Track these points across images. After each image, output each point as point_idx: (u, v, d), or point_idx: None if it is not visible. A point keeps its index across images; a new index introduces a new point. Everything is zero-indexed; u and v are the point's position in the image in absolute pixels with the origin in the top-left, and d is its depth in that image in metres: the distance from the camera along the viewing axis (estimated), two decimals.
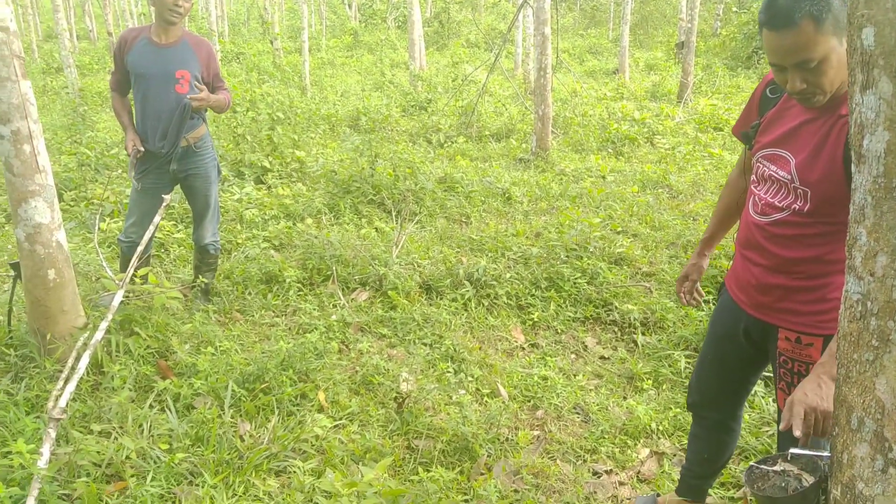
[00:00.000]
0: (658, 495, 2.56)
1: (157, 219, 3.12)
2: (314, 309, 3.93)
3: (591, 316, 4.05)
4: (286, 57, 17.71)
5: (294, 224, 5.22)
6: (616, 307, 4.05)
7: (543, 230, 5.22)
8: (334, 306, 4.00)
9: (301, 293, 4.13)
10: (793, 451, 1.60)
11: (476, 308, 4.01)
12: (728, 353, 2.11)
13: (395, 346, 3.64)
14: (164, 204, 3.19)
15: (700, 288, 2.38)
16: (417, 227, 5.35)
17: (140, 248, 3.04)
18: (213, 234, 3.93)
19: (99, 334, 2.69)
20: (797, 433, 1.54)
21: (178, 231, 4.98)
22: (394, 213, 5.48)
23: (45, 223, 2.89)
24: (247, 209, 5.41)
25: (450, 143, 8.77)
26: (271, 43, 18.75)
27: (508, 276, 4.23)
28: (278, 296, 4.10)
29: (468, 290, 4.08)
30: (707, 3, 18.85)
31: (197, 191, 3.78)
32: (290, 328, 3.76)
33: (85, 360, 2.59)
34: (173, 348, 3.27)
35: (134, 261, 3.02)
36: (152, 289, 3.20)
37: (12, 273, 3.09)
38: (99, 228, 5.28)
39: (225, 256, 4.79)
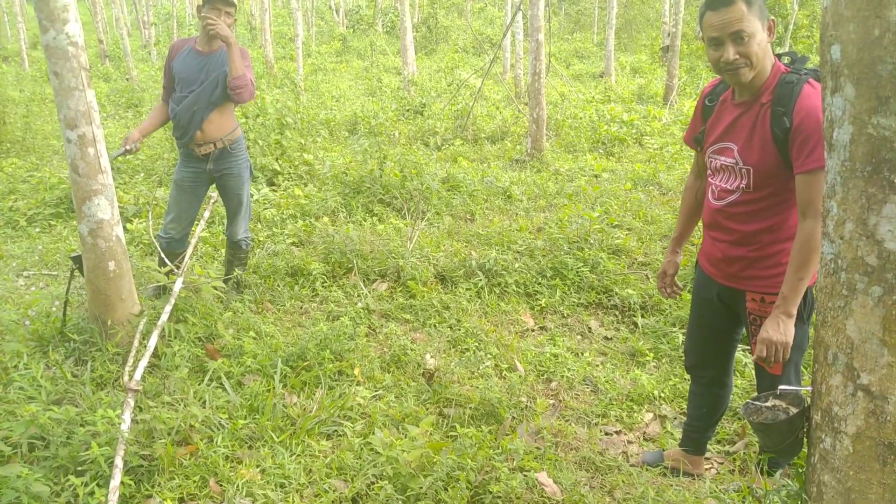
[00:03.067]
0: (663, 451, 2.91)
1: (206, 214, 3.42)
2: (341, 297, 4.25)
3: (593, 301, 4.40)
4: (276, 63, 17.98)
5: (311, 222, 5.53)
6: (616, 293, 4.40)
7: (545, 225, 5.58)
8: (358, 296, 4.32)
9: (326, 285, 4.45)
10: (781, 388, 1.96)
11: (489, 295, 4.35)
12: (709, 316, 2.50)
13: (418, 329, 3.97)
14: (213, 201, 3.49)
15: (678, 281, 2.73)
16: (426, 223, 5.69)
17: (192, 244, 3.34)
18: (246, 231, 4.24)
19: (164, 317, 2.99)
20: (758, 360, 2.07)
21: (203, 230, 5.28)
22: (406, 211, 5.80)
23: (106, 219, 3.19)
24: (265, 209, 5.72)
25: (447, 146, 9.11)
26: (261, 48, 19.01)
27: (517, 266, 4.58)
28: (305, 287, 4.42)
29: (481, 280, 4.42)
30: (690, 7, 19.36)
31: (230, 190, 4.08)
32: (320, 313, 4.08)
33: (154, 338, 2.90)
34: (218, 333, 3.57)
35: (189, 252, 3.32)
36: (202, 280, 3.50)
37: (73, 266, 3.38)
38: (126, 228, 5.57)
39: (249, 252, 5.10)
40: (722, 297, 2.40)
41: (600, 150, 8.86)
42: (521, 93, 13.02)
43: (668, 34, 13.78)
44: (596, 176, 7.47)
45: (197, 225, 4.06)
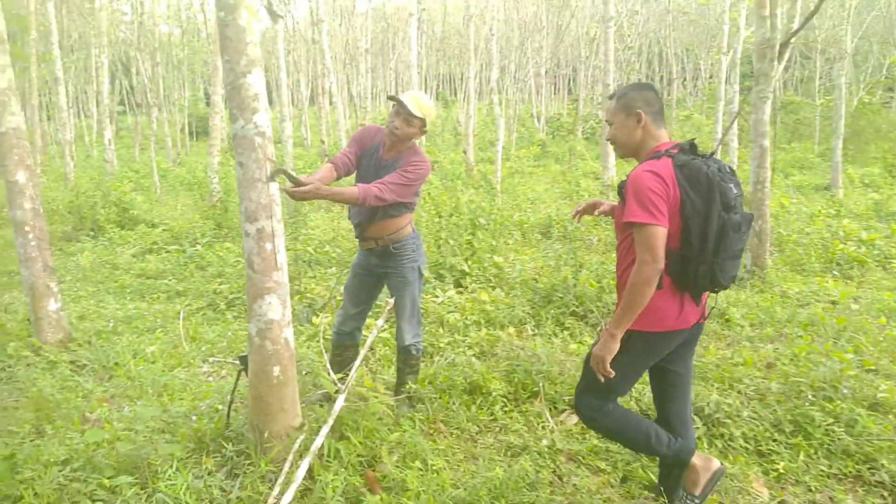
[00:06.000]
0: None
1: (380, 322, 3.05)
2: (522, 428, 3.63)
3: (850, 473, 3.36)
4: (476, 165, 18.41)
5: (495, 331, 5.03)
6: (883, 465, 3.32)
7: (776, 361, 4.58)
8: (543, 428, 3.67)
9: (506, 409, 3.86)
10: None
11: (708, 448, 3.48)
12: None
13: (615, 485, 3.21)
14: (388, 308, 3.12)
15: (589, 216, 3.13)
16: None
17: (362, 354, 2.95)
18: (415, 336, 3.84)
19: (319, 440, 2.58)
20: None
21: (384, 330, 4.98)
22: (600, 329, 5.11)
23: (276, 319, 2.91)
24: (449, 312, 5.34)
25: None
26: (464, 153, 19.68)
27: (745, 414, 3.67)
28: (483, 408, 3.86)
29: (697, 427, 3.58)
30: None
31: (393, 290, 3.78)
32: (497, 447, 3.48)
33: (303, 468, 2.48)
34: (381, 457, 3.10)
35: (357, 363, 2.93)
36: (370, 394, 3.09)
37: (240, 366, 3.13)
38: (310, 322, 5.46)
39: (427, 360, 4.69)
40: None
41: (835, 272, 7.56)
42: None
43: None
44: (834, 303, 6.25)
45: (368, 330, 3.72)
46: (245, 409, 3.46)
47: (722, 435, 3.58)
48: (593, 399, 2.75)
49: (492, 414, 3.83)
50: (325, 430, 2.66)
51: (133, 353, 4.93)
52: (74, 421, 3.71)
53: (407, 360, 3.90)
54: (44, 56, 19.87)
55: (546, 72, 31.91)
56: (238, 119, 2.74)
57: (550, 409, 3.88)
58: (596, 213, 3.05)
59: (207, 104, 26.57)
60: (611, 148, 14.52)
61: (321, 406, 3.53)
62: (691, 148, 2.55)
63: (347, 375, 3.50)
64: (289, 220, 9.68)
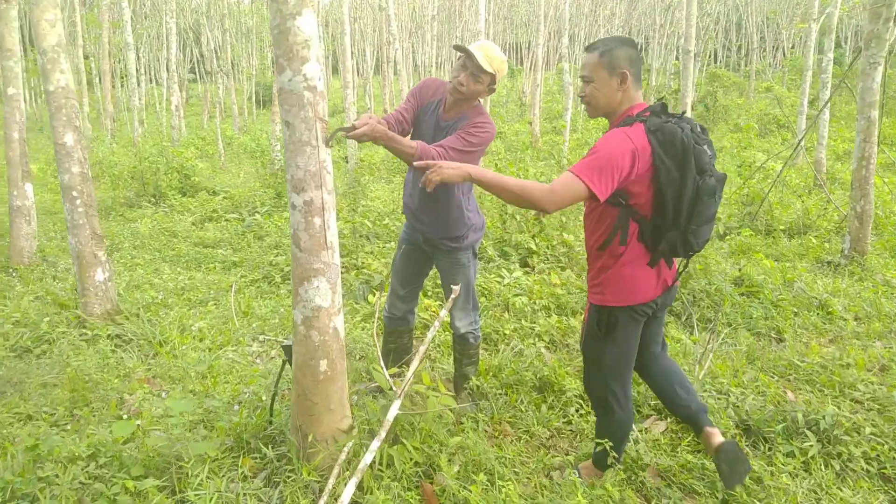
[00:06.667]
0: None
1: (442, 313, 2.62)
2: None
3: None
4: (542, 136, 17.72)
5: (567, 319, 4.55)
6: None
7: (889, 363, 3.97)
8: None
9: (582, 412, 3.40)
10: None
11: (824, 470, 2.95)
12: None
13: None
14: (452, 296, 2.69)
15: None
16: (719, 340, 4.39)
17: (422, 351, 2.53)
18: (471, 323, 3.41)
19: (369, 457, 2.19)
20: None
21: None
22: (690, 320, 4.57)
23: (324, 307, 2.52)
24: (516, 296, 4.88)
25: (732, 235, 7.63)
26: (529, 123, 18.98)
27: (868, 431, 3.11)
28: (555, 409, 3.42)
29: (811, 444, 3.04)
30: None
31: (443, 271, 3.37)
32: (572, 455, 3.03)
33: (351, 487, 2.09)
34: (439, 466, 2.70)
35: (415, 365, 2.52)
36: (430, 393, 2.68)
37: (283, 356, 2.77)
38: (366, 300, 5.10)
39: (491, 348, 4.26)
40: None
41: None
42: (821, 180, 10.95)
43: None
44: None
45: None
46: (290, 401, 3.11)
47: (839, 454, 3.03)
48: (601, 385, 2.66)
49: (565, 416, 3.38)
50: (375, 443, 2.27)
51: (181, 329, 4.68)
52: (110, 404, 3.45)
53: (464, 349, 3.47)
54: (116, 22, 20.11)
55: None
56: (285, 70, 2.32)
57: (635, 413, 3.39)
58: None
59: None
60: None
61: (374, 398, 3.16)
62: (663, 109, 2.41)
63: (403, 369, 3.11)
64: (348, 189, 9.36)
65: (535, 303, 4.86)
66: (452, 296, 2.65)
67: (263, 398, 3.18)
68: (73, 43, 20.54)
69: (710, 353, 3.84)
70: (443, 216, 3.19)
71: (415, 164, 2.59)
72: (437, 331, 4.34)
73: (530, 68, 31.05)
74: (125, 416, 3.30)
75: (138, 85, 20.01)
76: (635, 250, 2.45)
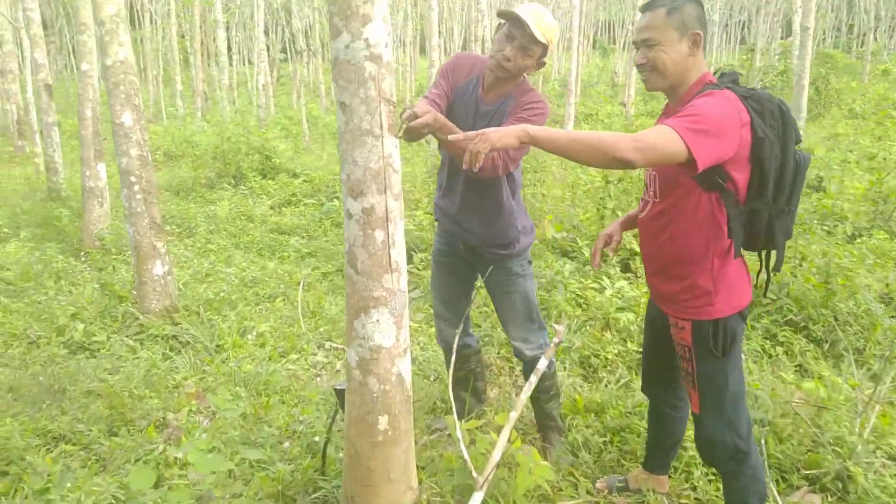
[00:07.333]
0: None
1: (541, 363, 1.98)
2: None
3: None
4: (637, 119, 16.62)
5: None
6: None
7: None
8: None
9: (708, 475, 2.69)
10: None
11: None
12: (651, 340, 2.39)
13: None
14: (556, 341, 2.04)
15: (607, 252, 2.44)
16: (867, 376, 3.54)
17: (511, 417, 1.90)
18: (540, 346, 2.74)
19: None
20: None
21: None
22: (841, 350, 3.73)
23: (386, 346, 1.93)
24: (618, 310, 4.16)
25: (861, 237, 6.55)
26: (622, 104, 17.88)
27: None
28: (676, 469, 2.72)
29: None
30: None
31: (491, 286, 2.73)
32: None
33: None
34: None
35: (503, 441, 1.89)
36: (521, 455, 2.06)
37: (336, 402, 2.21)
38: None
39: (592, 376, 3.59)
40: (655, 321, 2.31)
41: None
42: None
43: None
44: None
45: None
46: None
47: None
48: (723, 428, 2.11)
49: (688, 479, 2.68)
50: None
51: (242, 331, 4.24)
52: (149, 428, 3.01)
53: (540, 382, 2.81)
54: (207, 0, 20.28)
55: (718, 19, 28.85)
56: (341, 32, 1.71)
57: (777, 483, 2.65)
58: (613, 245, 2.45)
59: None
60: (803, 104, 12.32)
61: (447, 438, 2.56)
62: (734, 80, 2.01)
63: (483, 412, 2.50)
64: (427, 177, 8.75)
65: (641, 319, 4.13)
66: (556, 340, 2.00)
67: (317, 438, 2.65)
68: (168, 20, 20.89)
69: (877, 404, 3.01)
70: (491, 219, 2.58)
71: (450, 137, 1.97)
72: (489, 354, 3.71)
73: (623, 47, 29.54)
74: (161, 445, 2.85)
75: (230, 64, 20.15)
76: (729, 249, 2.05)
